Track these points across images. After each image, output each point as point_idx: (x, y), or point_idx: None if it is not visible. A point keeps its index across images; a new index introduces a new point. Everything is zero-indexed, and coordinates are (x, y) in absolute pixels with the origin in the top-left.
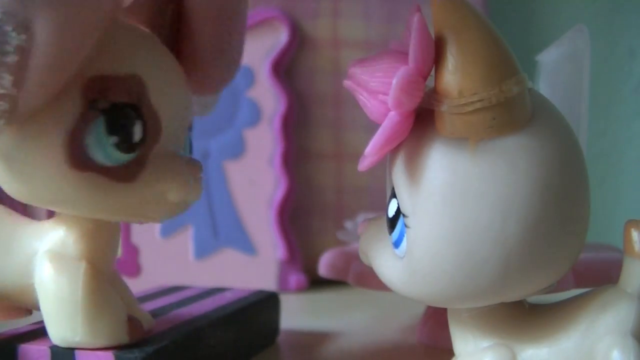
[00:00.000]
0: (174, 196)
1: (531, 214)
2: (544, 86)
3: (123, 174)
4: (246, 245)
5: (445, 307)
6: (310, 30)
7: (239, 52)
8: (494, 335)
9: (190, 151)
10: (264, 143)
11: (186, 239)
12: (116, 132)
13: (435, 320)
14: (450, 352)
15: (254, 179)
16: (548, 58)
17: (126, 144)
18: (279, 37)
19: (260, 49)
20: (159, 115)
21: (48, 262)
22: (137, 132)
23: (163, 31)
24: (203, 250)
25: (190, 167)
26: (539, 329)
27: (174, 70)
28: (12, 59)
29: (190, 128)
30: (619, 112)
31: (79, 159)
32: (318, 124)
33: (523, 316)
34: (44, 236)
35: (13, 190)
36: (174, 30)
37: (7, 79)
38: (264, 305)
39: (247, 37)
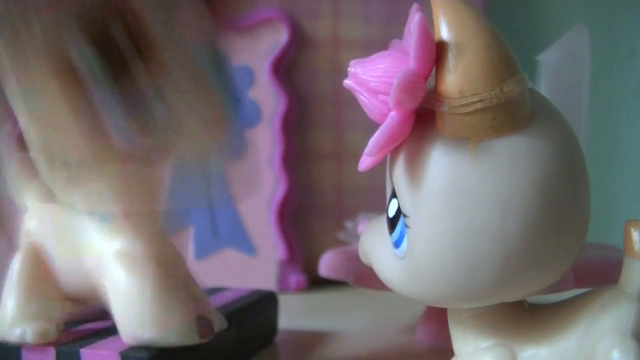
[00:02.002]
0: None
1: (531, 214)
2: (544, 86)
3: None
4: (246, 245)
5: (445, 307)
6: (310, 30)
7: None
8: (494, 335)
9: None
10: (264, 143)
11: (186, 239)
12: None
13: (435, 320)
14: (450, 352)
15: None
16: (548, 58)
17: None
18: (279, 37)
19: (260, 49)
20: None
21: (118, 263)
22: None
23: None
24: (203, 251)
25: None
26: (539, 329)
27: None
28: None
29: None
30: (619, 112)
31: None
32: (318, 124)
33: (523, 316)
34: (113, 237)
35: None
36: None
37: None
38: (262, 305)
39: (247, 37)
